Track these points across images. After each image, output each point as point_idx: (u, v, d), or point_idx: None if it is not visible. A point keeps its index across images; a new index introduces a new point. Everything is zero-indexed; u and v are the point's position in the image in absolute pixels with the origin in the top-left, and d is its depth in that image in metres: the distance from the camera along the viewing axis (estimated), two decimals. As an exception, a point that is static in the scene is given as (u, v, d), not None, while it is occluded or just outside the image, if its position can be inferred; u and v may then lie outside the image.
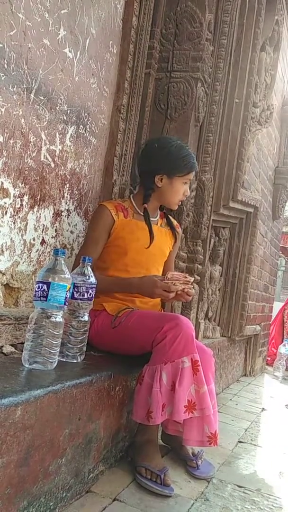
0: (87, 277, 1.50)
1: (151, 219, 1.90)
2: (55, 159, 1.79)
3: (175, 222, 2.05)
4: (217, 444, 1.58)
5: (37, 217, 1.72)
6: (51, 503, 1.18)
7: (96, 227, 1.82)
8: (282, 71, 4.14)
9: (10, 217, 1.58)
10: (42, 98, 1.67)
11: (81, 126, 1.94)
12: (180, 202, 1.93)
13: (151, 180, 1.86)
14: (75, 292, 1.47)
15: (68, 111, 1.84)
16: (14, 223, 1.61)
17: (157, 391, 1.50)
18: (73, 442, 1.27)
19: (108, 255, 1.83)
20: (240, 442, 2.18)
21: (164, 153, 1.82)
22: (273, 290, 5.14)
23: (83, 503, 1.29)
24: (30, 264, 1.71)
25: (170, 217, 2.05)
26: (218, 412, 1.88)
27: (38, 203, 1.72)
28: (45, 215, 1.77)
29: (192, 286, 1.70)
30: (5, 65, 1.48)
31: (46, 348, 1.30)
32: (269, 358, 5.18)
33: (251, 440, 2.25)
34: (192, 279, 1.70)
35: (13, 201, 1.59)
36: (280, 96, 4.36)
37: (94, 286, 1.51)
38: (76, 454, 1.29)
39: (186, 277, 1.67)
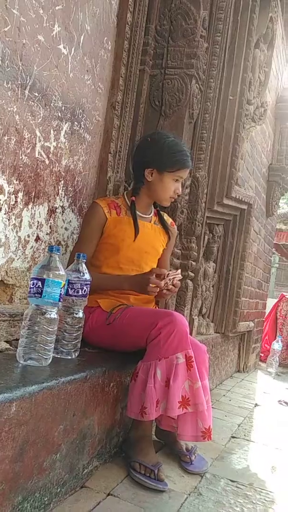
0: (81, 273, 1.51)
1: (145, 215, 1.91)
2: (50, 156, 1.79)
3: (170, 220, 2.05)
4: (211, 439, 1.59)
5: (31, 213, 1.72)
6: (46, 498, 1.19)
7: (89, 224, 1.82)
8: (276, 68, 4.14)
9: (4, 213, 1.58)
10: (36, 94, 1.67)
11: (75, 122, 1.94)
12: (172, 199, 1.91)
13: (141, 173, 1.85)
14: (69, 289, 1.48)
15: (63, 108, 1.84)
16: (8, 219, 1.61)
17: (151, 387, 1.51)
18: (68, 438, 1.28)
19: (101, 253, 1.83)
20: (233, 437, 2.20)
21: (156, 147, 1.82)
22: (267, 286, 5.16)
23: (77, 498, 1.30)
24: (25, 261, 1.71)
25: (166, 215, 2.06)
26: (212, 407, 1.89)
27: (32, 200, 1.72)
28: (39, 212, 1.77)
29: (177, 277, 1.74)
30: (0, 61, 1.48)
31: (41, 345, 1.30)
32: (262, 355, 5.21)
33: (244, 435, 2.27)
34: (180, 277, 1.74)
35: (7, 197, 1.59)
36: (274, 93, 4.37)
37: (89, 283, 1.52)
38: (70, 449, 1.30)
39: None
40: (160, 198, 1.88)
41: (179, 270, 1.75)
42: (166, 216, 2.04)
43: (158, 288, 1.67)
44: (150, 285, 1.66)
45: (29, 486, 1.11)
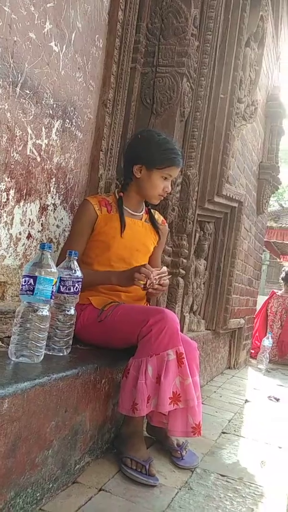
0: (73, 271, 1.51)
1: (135, 213, 1.91)
2: (41, 153, 1.79)
3: (161, 218, 2.06)
4: (200, 434, 1.61)
5: (23, 211, 1.72)
6: (38, 494, 1.20)
7: (79, 221, 1.82)
8: (267, 67, 4.17)
9: (-5, 211, 1.58)
10: (28, 92, 1.67)
11: (67, 120, 1.94)
12: (161, 197, 1.90)
13: (130, 169, 1.86)
14: (61, 286, 1.48)
15: (54, 105, 1.84)
16: (0, 217, 1.61)
17: (142, 383, 1.52)
18: (60, 434, 1.29)
19: (92, 250, 1.84)
20: (223, 433, 2.22)
21: (146, 144, 1.82)
22: (257, 284, 5.20)
23: (69, 494, 1.31)
24: (17, 258, 1.71)
25: (157, 213, 2.06)
26: (203, 404, 1.92)
27: (24, 197, 1.72)
28: (31, 209, 1.77)
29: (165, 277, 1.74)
30: (-9, 59, 1.48)
31: (33, 342, 1.31)
32: (253, 351, 5.25)
33: (235, 431, 2.30)
34: (168, 276, 1.74)
35: (-2, 195, 1.59)
36: (265, 91, 4.39)
37: (80, 280, 1.53)
38: (62, 445, 1.31)
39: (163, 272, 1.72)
40: (149, 195, 1.89)
41: (165, 268, 1.75)
42: (157, 214, 2.05)
43: (145, 279, 1.66)
44: (138, 274, 1.64)
45: (21, 482, 1.12)
